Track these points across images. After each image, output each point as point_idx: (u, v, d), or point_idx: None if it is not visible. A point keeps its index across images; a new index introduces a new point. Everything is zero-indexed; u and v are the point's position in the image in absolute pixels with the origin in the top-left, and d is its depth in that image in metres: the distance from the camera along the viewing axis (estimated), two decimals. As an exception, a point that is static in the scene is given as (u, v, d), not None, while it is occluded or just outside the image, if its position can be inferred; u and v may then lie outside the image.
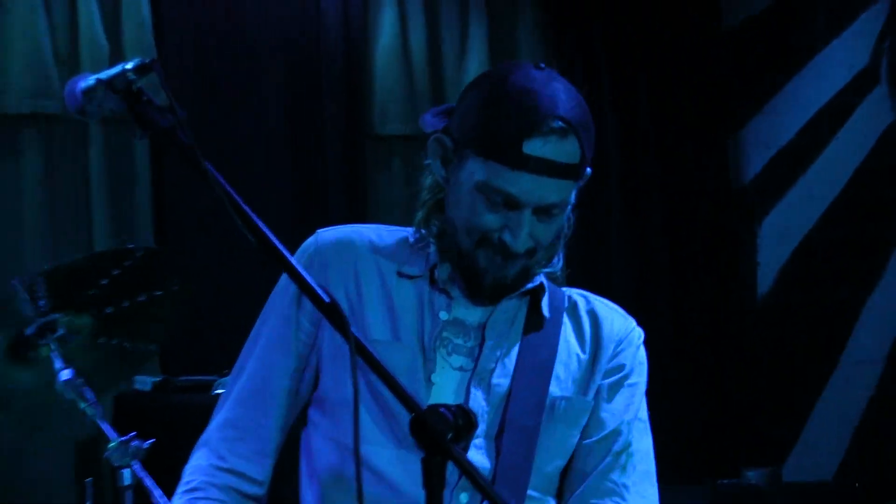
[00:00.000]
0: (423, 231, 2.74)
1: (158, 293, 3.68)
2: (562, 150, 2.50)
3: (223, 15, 5.60)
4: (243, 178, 5.28)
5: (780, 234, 6.42)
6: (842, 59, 6.10)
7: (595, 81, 6.28)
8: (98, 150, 5.38)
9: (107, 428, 3.42)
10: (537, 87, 2.51)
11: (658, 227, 6.42)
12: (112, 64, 2.04)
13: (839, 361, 6.12)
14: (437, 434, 2.01)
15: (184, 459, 2.82)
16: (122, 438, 3.40)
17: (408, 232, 2.79)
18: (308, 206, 5.74)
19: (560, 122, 2.49)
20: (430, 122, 2.69)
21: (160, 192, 5.60)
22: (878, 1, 5.95)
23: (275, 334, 2.77)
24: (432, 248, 2.73)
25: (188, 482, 2.76)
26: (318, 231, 2.80)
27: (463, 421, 2.06)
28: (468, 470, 2.06)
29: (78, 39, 5.31)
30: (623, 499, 2.71)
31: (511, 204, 2.54)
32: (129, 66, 2.11)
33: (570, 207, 2.68)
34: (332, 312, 2.10)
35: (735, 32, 6.54)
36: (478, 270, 2.63)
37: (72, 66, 5.33)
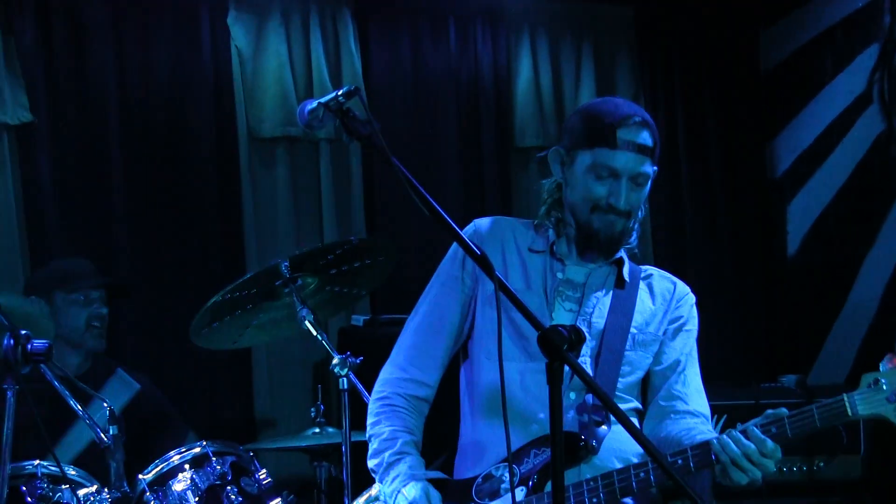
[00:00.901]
0: (546, 220, 3.32)
1: (368, 262, 4.24)
2: (642, 135, 3.14)
3: (413, 65, 6.57)
4: (427, 179, 6.12)
5: (803, 211, 7.20)
6: (845, 86, 6.87)
7: (672, 108, 7.08)
8: (326, 161, 6.32)
9: (331, 348, 3.92)
10: (618, 102, 3.23)
11: (721, 210, 7.20)
12: (333, 97, 2.65)
13: (847, 300, 6.86)
14: (557, 344, 2.36)
15: None
16: (341, 356, 3.83)
17: (533, 222, 3.38)
18: (471, 200, 6.55)
19: (638, 118, 3.15)
20: (546, 152, 3.34)
21: (370, 192, 6.43)
22: (871, 44, 6.70)
23: (446, 285, 3.33)
24: (551, 231, 3.30)
25: (380, 391, 3.33)
26: (475, 220, 3.37)
27: (575, 336, 2.41)
28: (579, 370, 2.41)
29: (311, 84, 6.23)
30: (685, 402, 3.27)
31: (614, 175, 3.14)
32: (340, 92, 2.62)
33: (649, 183, 3.21)
34: (482, 262, 2.53)
35: (770, 71, 7.34)
36: (593, 232, 3.21)
37: (308, 102, 6.42)
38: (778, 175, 7.40)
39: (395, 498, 3.09)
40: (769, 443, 2.92)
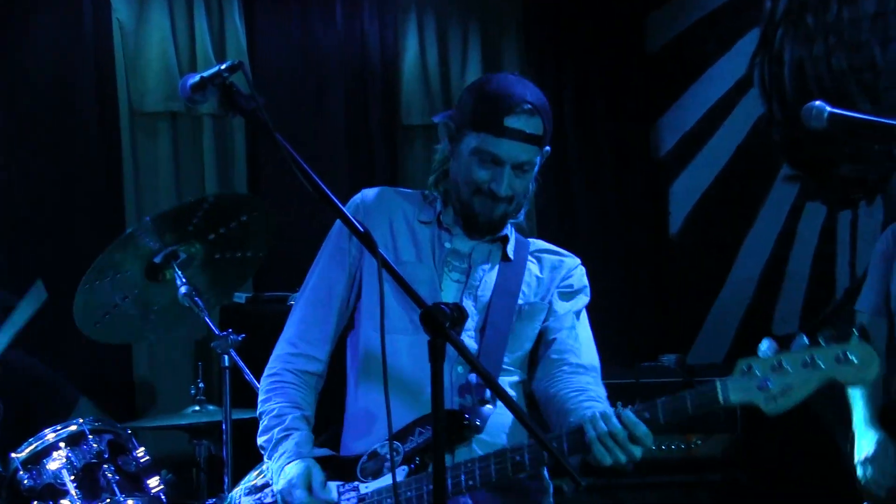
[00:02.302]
0: (434, 191, 3.31)
1: (244, 219, 4.23)
2: (530, 124, 3.09)
3: (300, 41, 6.53)
4: (315, 155, 6.16)
5: (686, 192, 7.31)
6: (727, 70, 7.01)
7: (559, 89, 7.15)
8: (210, 136, 6.27)
9: (213, 326, 4.00)
10: (511, 83, 3.13)
11: (608, 190, 7.32)
12: (216, 71, 2.60)
13: (726, 281, 6.99)
14: (439, 322, 2.40)
15: (267, 350, 3.34)
16: (222, 333, 3.89)
17: (421, 192, 3.36)
18: (358, 174, 6.48)
19: (528, 105, 3.08)
20: (439, 118, 3.29)
21: (254, 169, 6.41)
22: (751, 29, 6.84)
23: (333, 258, 3.31)
24: (439, 202, 3.29)
25: (271, 368, 3.31)
26: (363, 189, 3.35)
27: (458, 313, 2.45)
28: (461, 347, 2.46)
29: (195, 59, 6.19)
30: (576, 354, 3.26)
31: (496, 162, 3.11)
32: (223, 66, 2.56)
33: (535, 169, 3.18)
34: (365, 239, 2.54)
35: (656, 53, 7.44)
36: (474, 213, 3.20)
37: (191, 77, 6.40)
38: (662, 155, 7.50)
39: (279, 476, 3.10)
40: (641, 426, 2.89)
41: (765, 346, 2.88)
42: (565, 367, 3.24)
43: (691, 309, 7.21)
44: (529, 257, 3.32)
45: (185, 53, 6.23)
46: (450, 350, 2.52)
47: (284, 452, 3.14)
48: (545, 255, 3.36)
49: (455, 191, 3.22)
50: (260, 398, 3.28)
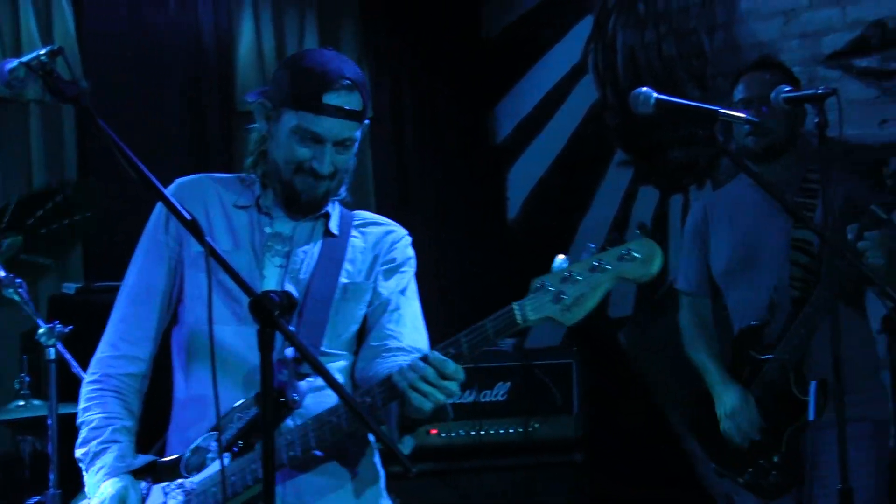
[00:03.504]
0: (251, 173, 3.22)
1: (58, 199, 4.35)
2: (349, 100, 3.06)
3: (131, 26, 6.41)
4: (150, 140, 5.98)
5: (523, 177, 7.38)
6: (563, 56, 7.08)
7: (397, 74, 7.19)
8: (37, 124, 6.10)
9: (38, 318, 3.95)
10: (328, 58, 3.08)
11: (446, 172, 7.35)
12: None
13: None
14: (269, 311, 2.39)
15: (97, 342, 3.24)
16: (48, 325, 3.83)
17: (237, 176, 3.27)
18: (193, 163, 6.35)
19: (347, 81, 3.05)
20: (252, 97, 3.19)
21: (84, 157, 6.23)
22: (586, 16, 6.96)
23: (150, 252, 3.22)
24: (257, 185, 3.20)
25: (92, 373, 3.22)
26: (176, 180, 3.24)
27: (287, 302, 2.43)
28: (291, 336, 2.47)
29: (20, 45, 5.97)
30: (397, 339, 3.20)
31: (317, 140, 3.06)
32: (42, 51, 2.49)
33: (356, 145, 3.15)
34: (192, 227, 2.50)
35: (493, 39, 7.48)
36: (295, 192, 3.13)
37: (17, 63, 6.31)
38: (499, 141, 7.55)
39: (94, 492, 3.04)
40: (450, 363, 2.87)
41: (558, 261, 2.91)
42: (384, 354, 3.19)
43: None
44: (353, 231, 3.28)
45: (9, 38, 6.05)
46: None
47: (102, 467, 3.08)
48: (369, 228, 3.32)
49: (275, 171, 3.15)
50: (80, 407, 3.20)
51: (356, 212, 3.33)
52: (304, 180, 3.10)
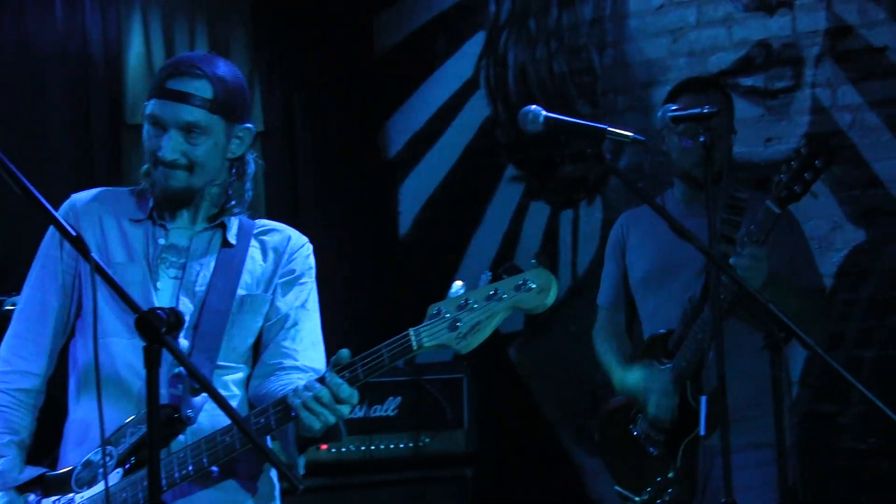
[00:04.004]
0: (146, 183, 3.20)
1: None
2: (194, 86, 3.06)
3: (15, 34, 6.22)
4: (36, 154, 6.01)
5: (415, 192, 7.36)
6: (455, 71, 7.13)
7: (289, 88, 7.11)
8: None
9: None
10: (192, 54, 3.23)
11: (338, 190, 7.23)
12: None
13: (454, 278, 5.86)
14: (155, 328, 2.37)
15: None
16: None
17: (130, 189, 3.28)
18: (80, 176, 6.12)
19: (197, 71, 3.07)
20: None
21: None
22: (478, 32, 7.00)
23: (46, 267, 3.24)
24: (153, 199, 3.19)
25: None
26: (72, 195, 3.27)
27: (174, 319, 2.41)
28: (177, 353, 2.46)
29: None
30: (293, 358, 3.23)
31: (162, 126, 3.07)
32: None
33: (218, 138, 3.12)
34: (76, 243, 2.50)
35: (385, 54, 7.44)
36: (155, 186, 3.14)
37: None
38: (391, 156, 7.53)
39: None
40: (345, 388, 2.91)
41: (455, 287, 2.97)
42: (279, 372, 3.21)
43: (420, 308, 7.04)
44: (252, 241, 3.25)
45: None
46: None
47: None
48: (269, 236, 3.30)
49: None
50: None
51: (257, 220, 3.31)
52: (161, 172, 3.09)
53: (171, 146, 3.05)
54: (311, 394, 2.89)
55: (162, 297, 3.12)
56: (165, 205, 3.17)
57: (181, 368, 3.02)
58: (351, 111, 7.39)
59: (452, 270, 7.13)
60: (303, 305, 3.28)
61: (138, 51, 6.63)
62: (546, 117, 3.27)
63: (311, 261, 3.33)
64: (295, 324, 3.25)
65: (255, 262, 3.24)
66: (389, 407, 6.00)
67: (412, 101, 7.42)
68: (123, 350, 3.08)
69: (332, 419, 2.91)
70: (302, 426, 2.95)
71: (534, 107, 3.29)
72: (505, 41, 6.93)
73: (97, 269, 2.46)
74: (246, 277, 3.20)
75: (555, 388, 6.66)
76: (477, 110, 7.07)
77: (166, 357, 2.79)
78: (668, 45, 6.22)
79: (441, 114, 7.26)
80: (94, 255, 2.51)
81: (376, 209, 7.48)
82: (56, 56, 6.33)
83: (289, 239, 3.31)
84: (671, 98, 4.35)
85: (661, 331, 4.38)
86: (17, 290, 4.56)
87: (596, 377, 5.03)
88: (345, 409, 2.92)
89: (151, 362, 2.36)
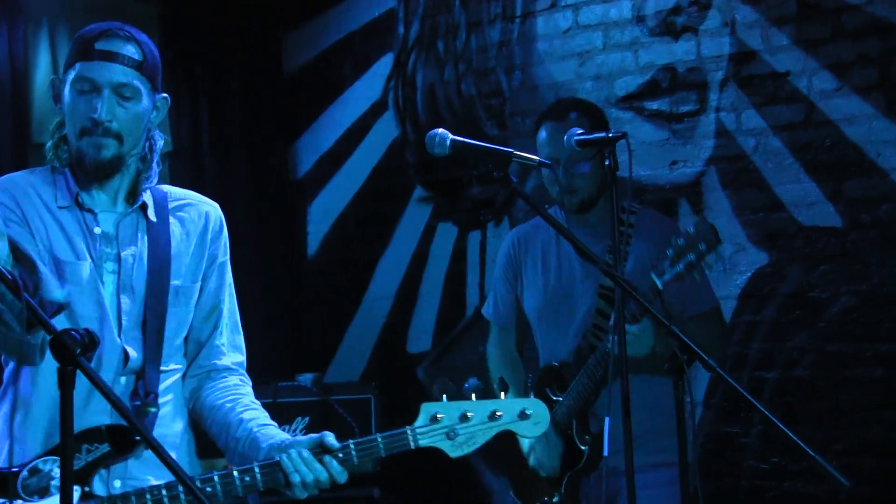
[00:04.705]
0: (55, 160, 3.08)
1: None
2: (123, 48, 3.00)
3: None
4: None
5: (323, 212, 7.37)
6: (363, 93, 7.16)
7: (196, 107, 7.05)
8: None
9: None
10: (114, 22, 3.08)
11: (244, 210, 7.13)
12: None
13: (363, 298, 7.13)
14: (69, 350, 2.32)
15: None
16: None
17: (46, 168, 3.12)
18: None
19: (125, 32, 3.03)
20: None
21: None
22: (386, 53, 7.04)
23: None
24: (70, 177, 3.04)
25: None
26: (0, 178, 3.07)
27: (88, 340, 2.36)
28: (91, 376, 2.37)
29: None
30: (223, 354, 3.24)
31: (94, 87, 2.97)
32: None
33: (144, 104, 3.04)
34: (12, 285, 2.48)
35: (293, 74, 7.47)
36: (83, 158, 2.98)
37: None
38: (299, 176, 7.54)
39: None
40: (344, 475, 3.02)
41: (466, 387, 3.09)
42: (213, 373, 3.22)
43: (328, 328, 7.28)
44: (171, 219, 3.16)
45: None
46: (114, 360, 2.77)
47: None
48: (184, 212, 3.20)
49: (70, 147, 3.06)
50: None
51: (166, 189, 3.22)
52: (90, 141, 2.98)
53: (108, 107, 2.96)
54: (312, 477, 2.95)
55: (107, 296, 3.02)
56: (92, 181, 3.04)
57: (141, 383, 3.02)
58: (259, 131, 7.37)
59: (361, 290, 7.17)
60: (222, 286, 3.26)
61: (45, 69, 6.55)
62: (453, 141, 3.29)
63: (226, 232, 3.28)
64: (219, 312, 3.24)
65: (179, 244, 3.15)
66: (298, 427, 6.01)
67: (321, 122, 7.42)
68: (41, 371, 2.99)
69: (315, 493, 3.01)
70: (290, 491, 3.00)
71: (441, 130, 3.30)
72: (413, 63, 6.98)
73: (30, 308, 2.44)
74: (174, 264, 3.13)
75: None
76: (385, 131, 7.10)
77: (115, 369, 2.96)
78: (575, 69, 6.25)
79: (349, 134, 7.27)
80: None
81: (285, 229, 7.47)
82: (-40, 75, 6.22)
83: (206, 216, 3.23)
84: (537, 126, 4.37)
85: (554, 363, 4.40)
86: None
87: (502, 397, 5.04)
88: (328, 486, 3.00)
89: (66, 385, 2.32)
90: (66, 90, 3.01)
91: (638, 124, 5.95)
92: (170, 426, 3.13)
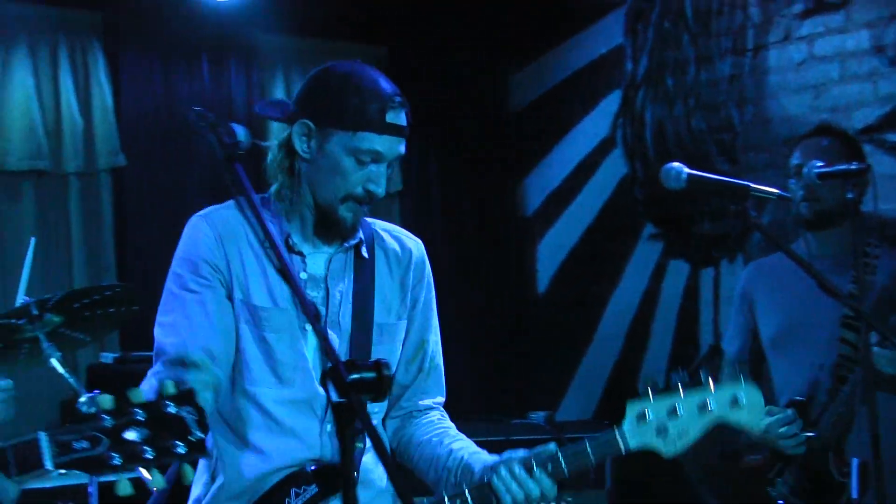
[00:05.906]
0: (278, 201, 2.96)
1: (112, 310, 4.21)
2: (403, 118, 2.89)
3: (165, 98, 6.47)
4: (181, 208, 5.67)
5: (553, 250, 7.41)
6: (591, 130, 7.15)
7: (425, 148, 7.23)
8: (76, 195, 6.31)
9: (78, 386, 3.97)
10: (375, 74, 2.92)
11: (473, 248, 7.30)
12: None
13: (593, 338, 7.10)
14: (345, 382, 2.28)
15: None
16: (89, 395, 3.73)
17: (262, 197, 2.95)
18: None
19: (399, 98, 2.88)
20: (268, 111, 2.97)
21: (122, 228, 6.37)
22: (614, 90, 7.03)
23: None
24: (283, 220, 2.95)
25: None
26: (197, 217, 2.93)
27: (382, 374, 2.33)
28: (361, 412, 2.32)
29: (60, 116, 6.26)
30: (426, 394, 3.17)
31: (377, 160, 2.85)
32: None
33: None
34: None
35: (520, 112, 7.57)
36: (338, 220, 2.91)
37: (57, 136, 6.25)
38: (528, 214, 7.56)
39: None
40: (554, 490, 2.88)
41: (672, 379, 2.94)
42: (416, 413, 3.16)
43: (559, 366, 7.27)
44: (377, 251, 3.06)
45: (50, 112, 6.28)
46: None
47: None
48: (389, 245, 3.10)
49: (311, 198, 2.93)
50: None
51: (371, 222, 3.13)
52: (352, 207, 2.91)
53: (385, 182, 2.91)
54: (523, 493, 2.83)
55: (310, 338, 2.92)
56: (337, 236, 2.97)
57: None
58: (487, 169, 7.47)
59: (591, 328, 7.15)
60: (428, 328, 3.16)
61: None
62: (689, 175, 3.23)
63: (430, 271, 3.16)
64: (424, 352, 3.14)
65: (383, 280, 3.05)
66: (531, 465, 5.95)
67: (549, 159, 7.47)
68: (268, 400, 2.91)
69: None
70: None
71: (676, 164, 3.25)
72: (642, 99, 6.95)
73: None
74: (379, 301, 3.02)
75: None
76: (614, 168, 7.08)
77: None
78: (810, 101, 6.10)
79: (578, 172, 7.27)
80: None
81: (514, 267, 7.49)
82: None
83: (409, 254, 3.12)
84: (793, 147, 4.27)
85: (798, 398, 4.25)
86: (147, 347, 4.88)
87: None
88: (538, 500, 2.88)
89: (343, 420, 2.29)
90: (339, 152, 2.86)
91: (878, 157, 5.74)
92: (375, 465, 3.02)
